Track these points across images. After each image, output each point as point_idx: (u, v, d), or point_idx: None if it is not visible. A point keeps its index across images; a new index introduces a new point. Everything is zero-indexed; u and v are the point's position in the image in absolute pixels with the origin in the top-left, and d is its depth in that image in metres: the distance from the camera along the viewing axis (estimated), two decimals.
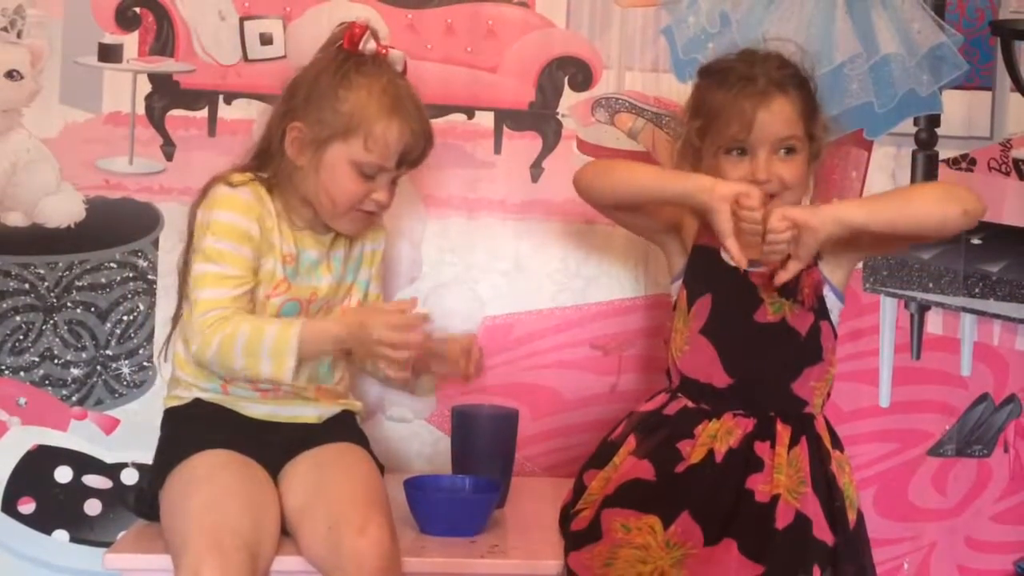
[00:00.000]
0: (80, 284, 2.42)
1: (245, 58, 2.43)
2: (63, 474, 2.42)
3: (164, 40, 2.42)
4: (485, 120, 2.45)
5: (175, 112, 2.42)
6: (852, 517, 2.01)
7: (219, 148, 2.36)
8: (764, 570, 1.88)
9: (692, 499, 1.95)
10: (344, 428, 2.10)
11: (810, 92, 2.08)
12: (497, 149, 2.46)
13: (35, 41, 2.40)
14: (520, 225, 2.46)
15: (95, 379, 2.43)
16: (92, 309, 2.42)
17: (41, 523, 2.42)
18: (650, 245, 2.32)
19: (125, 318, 2.43)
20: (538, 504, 2.19)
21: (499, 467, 2.15)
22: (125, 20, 2.42)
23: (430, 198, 2.45)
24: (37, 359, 2.42)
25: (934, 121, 2.49)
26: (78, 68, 2.41)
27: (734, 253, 1.94)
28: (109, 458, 2.42)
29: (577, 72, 2.47)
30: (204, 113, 2.42)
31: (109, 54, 2.41)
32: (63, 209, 2.41)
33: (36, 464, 2.42)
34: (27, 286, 2.41)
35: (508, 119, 2.46)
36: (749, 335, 2.04)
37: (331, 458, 2.01)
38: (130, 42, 2.41)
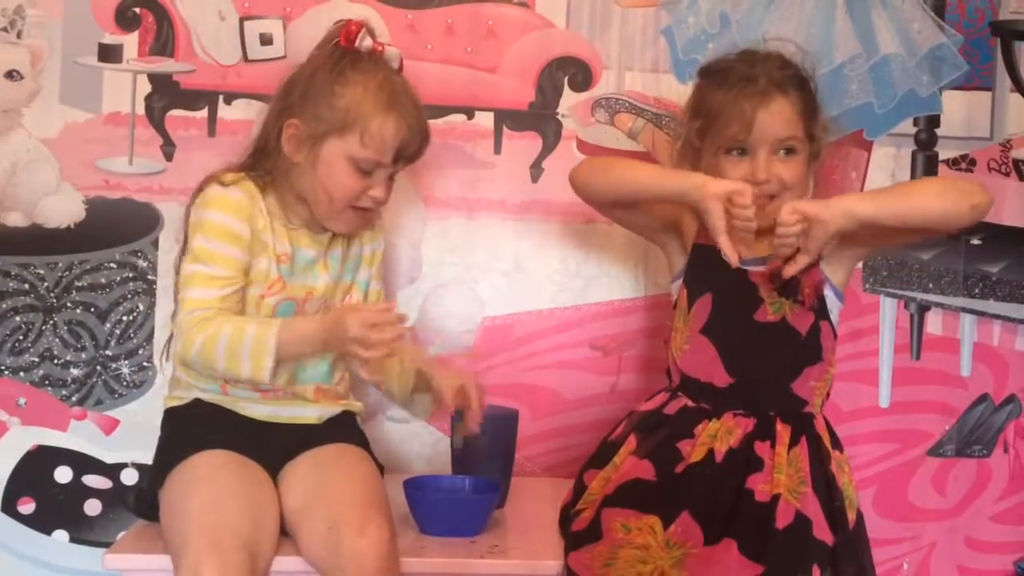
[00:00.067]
0: (80, 284, 2.42)
1: (245, 58, 2.42)
2: (63, 474, 2.42)
3: (164, 40, 2.42)
4: (485, 120, 2.45)
5: (175, 112, 2.42)
6: (852, 517, 2.01)
7: (219, 148, 2.36)
8: (764, 570, 1.88)
9: (692, 499, 1.95)
10: (344, 429, 2.10)
11: (810, 92, 2.08)
12: (497, 149, 2.46)
13: (35, 41, 2.40)
14: (520, 225, 2.46)
15: (95, 379, 2.43)
16: (92, 309, 2.42)
17: (41, 523, 2.41)
18: (650, 245, 2.32)
19: (125, 318, 2.43)
20: (538, 504, 2.19)
21: (499, 467, 2.15)
22: (125, 20, 2.41)
23: (430, 198, 2.45)
24: (37, 359, 2.42)
25: (934, 122, 2.49)
26: (78, 68, 2.40)
27: (726, 250, 1.95)
28: (109, 458, 2.42)
29: (577, 72, 2.47)
30: (204, 113, 2.42)
31: (109, 54, 2.41)
32: (63, 209, 2.41)
33: (36, 464, 2.41)
34: (27, 286, 2.41)
35: (508, 119, 2.46)
36: (749, 334, 2.04)
37: (331, 458, 2.00)
38: (130, 42, 2.41)
